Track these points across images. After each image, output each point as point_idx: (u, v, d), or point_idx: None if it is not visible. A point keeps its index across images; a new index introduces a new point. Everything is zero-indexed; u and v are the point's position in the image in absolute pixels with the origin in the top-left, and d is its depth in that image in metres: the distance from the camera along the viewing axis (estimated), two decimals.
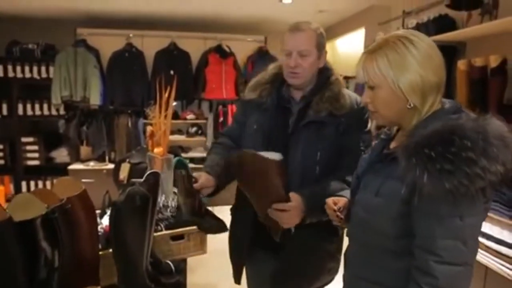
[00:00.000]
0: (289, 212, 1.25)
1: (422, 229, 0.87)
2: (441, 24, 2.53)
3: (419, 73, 0.90)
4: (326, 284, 1.51)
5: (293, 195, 1.27)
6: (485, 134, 0.79)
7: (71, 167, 4.46)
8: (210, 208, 1.87)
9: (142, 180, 1.35)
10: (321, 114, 1.34)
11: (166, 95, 2.04)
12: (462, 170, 0.77)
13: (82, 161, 4.61)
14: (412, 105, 0.92)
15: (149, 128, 2.09)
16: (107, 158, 4.61)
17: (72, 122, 4.44)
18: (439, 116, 0.91)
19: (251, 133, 1.45)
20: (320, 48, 1.37)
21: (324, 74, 1.41)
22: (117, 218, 1.21)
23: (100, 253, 1.37)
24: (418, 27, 2.75)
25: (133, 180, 1.36)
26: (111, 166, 4.04)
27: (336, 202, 1.15)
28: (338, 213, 1.13)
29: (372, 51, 0.95)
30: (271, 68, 1.50)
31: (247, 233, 1.47)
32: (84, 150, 4.66)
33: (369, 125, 1.41)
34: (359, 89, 4.55)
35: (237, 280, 1.57)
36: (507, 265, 1.76)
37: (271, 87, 1.43)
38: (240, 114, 1.56)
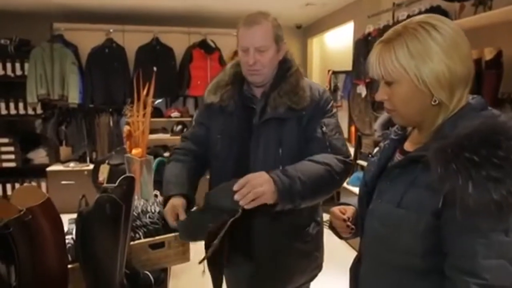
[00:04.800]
0: (252, 182, 1.08)
1: (459, 247, 0.74)
2: None
3: (445, 63, 0.77)
4: (306, 283, 1.47)
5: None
6: None
7: (50, 168, 4.28)
8: None
9: (114, 185, 1.22)
10: (279, 110, 1.28)
11: (145, 92, 1.91)
12: None
13: (62, 162, 4.43)
14: (437, 101, 0.80)
15: (126, 128, 1.95)
16: (88, 158, 4.45)
17: (49, 121, 4.26)
18: (467, 114, 0.79)
19: (216, 141, 1.38)
20: (278, 41, 1.30)
21: (283, 66, 1.35)
22: (84, 229, 1.08)
23: (70, 266, 1.24)
24: None
25: (106, 185, 1.23)
26: (92, 167, 3.88)
27: (344, 212, 1.04)
28: (349, 223, 1.01)
29: (388, 40, 0.81)
30: (229, 67, 1.42)
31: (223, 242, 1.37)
32: (64, 150, 4.48)
33: (333, 111, 1.36)
34: (348, 84, 4.47)
35: None
36: None
37: (232, 89, 1.37)
38: (204, 117, 1.47)
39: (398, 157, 0.91)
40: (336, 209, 1.05)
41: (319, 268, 1.48)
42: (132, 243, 1.47)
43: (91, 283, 1.15)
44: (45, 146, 4.45)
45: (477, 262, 0.71)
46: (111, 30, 4.36)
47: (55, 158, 4.45)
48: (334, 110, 1.38)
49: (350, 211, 1.04)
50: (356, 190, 3.21)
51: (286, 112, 1.28)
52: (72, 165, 4.33)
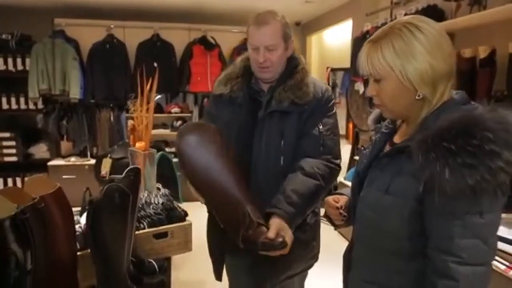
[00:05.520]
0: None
1: (438, 229, 0.80)
2: (430, 15, 2.49)
3: (428, 61, 0.83)
4: (303, 271, 1.52)
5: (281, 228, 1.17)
6: (506, 125, 0.73)
7: (51, 163, 4.32)
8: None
9: (122, 176, 1.27)
10: (283, 103, 1.34)
11: (148, 87, 1.95)
12: (485, 164, 0.72)
13: (63, 156, 4.47)
14: (421, 96, 0.85)
15: (130, 122, 2.00)
16: (89, 153, 4.49)
17: (51, 116, 4.30)
18: (449, 107, 0.85)
19: (221, 130, 1.42)
20: (287, 39, 1.36)
21: (291, 64, 1.41)
22: (95, 217, 1.13)
23: (79, 253, 1.30)
24: None
25: (113, 176, 1.28)
26: (93, 161, 3.91)
27: (337, 200, 1.10)
28: (342, 211, 1.07)
29: (376, 39, 0.88)
30: (239, 61, 1.48)
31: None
32: (65, 145, 4.52)
33: (333, 111, 1.41)
34: (346, 81, 4.53)
35: (218, 277, 1.54)
36: (498, 259, 1.75)
37: (242, 81, 1.42)
38: (212, 107, 1.52)
39: (387, 149, 0.97)
40: (330, 198, 1.12)
41: (315, 258, 1.54)
42: (137, 232, 1.53)
43: (101, 269, 1.20)
44: (46, 141, 4.48)
45: (454, 242, 0.78)
46: (111, 26, 4.40)
47: (56, 152, 4.49)
48: (334, 109, 1.43)
49: (343, 200, 1.10)
50: None
51: (289, 106, 1.33)
52: (73, 160, 4.37)
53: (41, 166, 4.28)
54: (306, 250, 1.47)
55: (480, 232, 0.78)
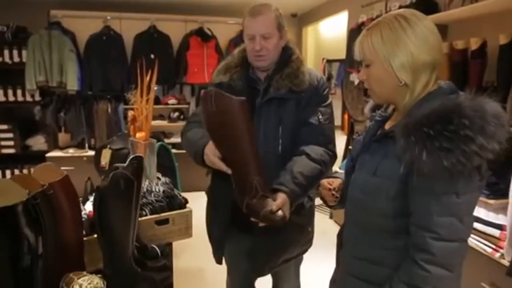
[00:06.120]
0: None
1: (418, 207, 0.87)
2: (424, 7, 2.54)
3: (411, 52, 0.89)
4: (299, 255, 1.58)
5: (281, 197, 1.23)
6: (482, 113, 0.79)
7: (49, 154, 4.34)
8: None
9: (125, 164, 1.32)
10: (281, 91, 1.39)
11: (147, 79, 1.99)
12: (460, 148, 0.78)
13: (61, 148, 4.49)
14: (403, 82, 0.91)
15: (130, 113, 2.04)
16: (86, 145, 4.51)
17: (48, 108, 4.30)
18: (435, 96, 0.90)
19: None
20: (281, 29, 1.41)
21: (286, 53, 1.46)
22: (101, 203, 1.18)
23: (85, 238, 1.35)
24: None
25: (116, 164, 1.33)
26: (91, 153, 3.96)
27: (331, 183, 1.17)
28: (334, 192, 1.14)
29: (369, 27, 0.95)
30: (237, 52, 1.53)
31: (227, 213, 1.49)
32: (63, 137, 4.54)
33: (329, 99, 1.47)
34: (341, 73, 4.57)
35: (219, 260, 1.60)
36: (482, 240, 1.83)
37: (241, 70, 1.47)
38: None
39: None
40: (324, 181, 1.19)
41: (310, 243, 1.60)
42: (139, 219, 1.58)
43: (107, 253, 1.25)
44: (43, 133, 4.48)
45: (432, 220, 0.85)
46: (108, 18, 4.39)
47: (54, 144, 4.50)
48: (330, 97, 1.49)
49: (336, 182, 1.17)
50: None
51: (287, 93, 1.39)
52: (71, 151, 4.39)
53: (39, 157, 4.29)
54: (302, 234, 1.53)
55: (456, 211, 0.84)
